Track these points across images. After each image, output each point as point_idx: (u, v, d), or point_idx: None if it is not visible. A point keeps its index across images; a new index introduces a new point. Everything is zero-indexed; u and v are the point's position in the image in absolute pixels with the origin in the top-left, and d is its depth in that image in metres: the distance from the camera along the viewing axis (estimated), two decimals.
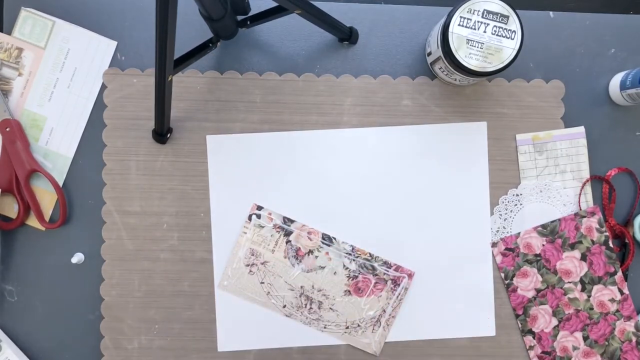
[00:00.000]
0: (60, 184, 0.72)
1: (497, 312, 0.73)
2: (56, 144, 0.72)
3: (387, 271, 0.72)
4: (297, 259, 0.71)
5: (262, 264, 0.71)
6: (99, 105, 0.72)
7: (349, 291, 0.72)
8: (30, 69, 0.72)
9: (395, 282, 0.72)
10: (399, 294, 0.72)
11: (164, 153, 0.72)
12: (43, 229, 0.72)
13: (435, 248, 0.73)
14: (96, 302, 0.72)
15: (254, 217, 0.71)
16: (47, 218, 0.72)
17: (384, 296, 0.72)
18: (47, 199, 0.72)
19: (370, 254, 0.72)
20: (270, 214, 0.71)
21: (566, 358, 0.72)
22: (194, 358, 0.72)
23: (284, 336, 0.72)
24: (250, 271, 0.71)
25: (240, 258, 0.71)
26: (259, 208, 0.71)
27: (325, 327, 0.71)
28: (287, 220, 0.71)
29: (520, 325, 0.72)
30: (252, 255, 0.71)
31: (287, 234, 0.71)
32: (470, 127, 0.73)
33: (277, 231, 0.71)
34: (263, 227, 0.71)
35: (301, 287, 0.71)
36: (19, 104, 0.72)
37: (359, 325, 0.72)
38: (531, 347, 0.72)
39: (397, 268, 0.72)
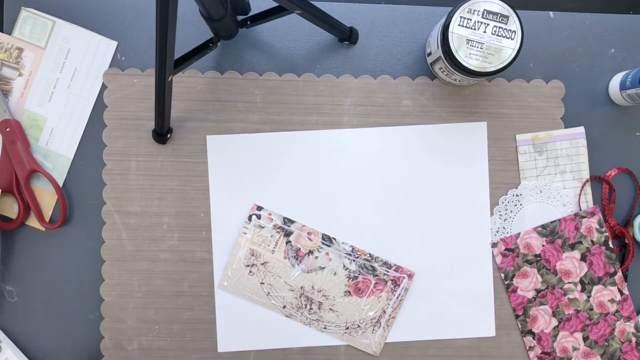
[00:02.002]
0: (60, 184, 0.72)
1: (497, 312, 0.73)
2: (56, 144, 0.72)
3: (387, 272, 0.72)
4: (297, 259, 0.71)
5: (262, 264, 0.71)
6: (99, 105, 0.72)
7: (349, 292, 0.72)
8: (30, 69, 0.72)
9: (395, 282, 0.72)
10: (399, 294, 0.72)
11: (164, 153, 0.72)
12: (43, 229, 0.72)
13: (435, 248, 0.73)
14: (96, 302, 0.72)
15: (254, 217, 0.71)
16: (47, 218, 0.72)
17: (384, 297, 0.72)
18: (47, 199, 0.72)
19: (370, 254, 0.72)
20: (270, 214, 0.71)
21: (566, 358, 0.72)
22: (194, 358, 0.72)
23: (283, 336, 0.72)
24: (250, 272, 0.71)
25: (240, 258, 0.71)
26: (259, 208, 0.71)
27: (325, 328, 0.71)
28: (287, 221, 0.71)
29: (520, 326, 0.72)
30: (252, 255, 0.71)
31: (287, 234, 0.71)
32: (470, 127, 0.73)
33: (277, 232, 0.71)
34: (263, 227, 0.71)
35: (301, 287, 0.71)
36: (19, 104, 0.72)
37: (359, 326, 0.72)
38: (531, 348, 0.72)
39: (397, 268, 0.72)
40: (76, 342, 0.72)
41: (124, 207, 0.72)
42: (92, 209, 0.72)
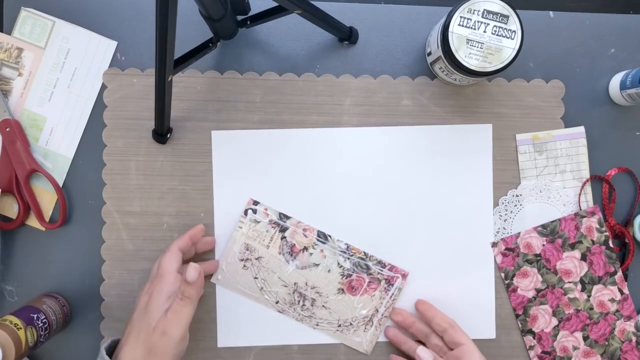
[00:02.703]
0: (60, 184, 0.72)
1: (497, 312, 0.73)
2: (56, 144, 0.72)
3: (381, 271, 0.72)
4: (291, 255, 0.71)
5: (257, 259, 0.71)
6: (99, 105, 0.72)
7: (343, 289, 0.72)
8: (30, 69, 0.72)
9: (389, 282, 0.72)
10: (392, 294, 0.72)
11: (164, 153, 0.72)
12: (43, 229, 0.72)
13: (436, 249, 0.72)
14: (96, 302, 0.72)
15: (249, 211, 0.71)
16: (47, 218, 0.72)
17: (377, 296, 0.72)
18: (47, 199, 0.72)
19: (364, 252, 0.72)
20: (266, 209, 0.71)
21: (566, 358, 0.72)
22: (194, 357, 0.72)
23: (283, 333, 0.72)
24: (245, 266, 0.71)
25: (235, 253, 0.71)
26: (255, 203, 0.71)
27: (317, 325, 0.71)
28: (283, 217, 0.71)
29: (520, 325, 0.72)
30: (247, 250, 0.71)
31: (283, 230, 0.71)
32: (475, 129, 0.73)
33: (272, 227, 0.71)
34: (259, 222, 0.71)
35: (295, 283, 0.71)
36: (18, 104, 0.72)
37: (351, 324, 0.72)
38: (531, 347, 0.72)
39: (391, 268, 0.72)
40: (76, 341, 0.72)
41: (124, 207, 0.72)
42: (92, 208, 0.72)
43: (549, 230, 0.72)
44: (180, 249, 0.66)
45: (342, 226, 0.72)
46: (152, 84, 0.61)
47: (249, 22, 0.66)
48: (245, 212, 0.71)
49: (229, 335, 0.72)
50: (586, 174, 0.73)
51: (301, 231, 0.71)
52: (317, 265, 0.71)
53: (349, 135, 0.72)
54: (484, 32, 0.63)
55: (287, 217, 0.71)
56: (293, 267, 0.71)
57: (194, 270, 0.59)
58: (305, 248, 0.71)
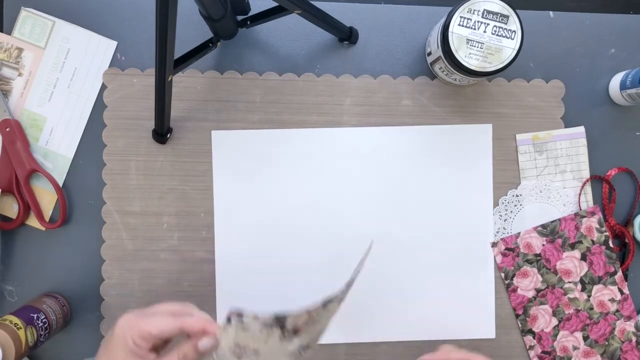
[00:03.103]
0: (60, 184, 0.72)
1: (497, 312, 0.73)
2: (56, 144, 0.72)
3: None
4: (295, 333, 0.53)
5: (254, 351, 0.53)
6: (99, 105, 0.72)
7: None
8: (30, 69, 0.72)
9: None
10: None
11: (164, 153, 0.72)
12: (43, 229, 0.72)
13: (436, 248, 0.72)
14: (96, 302, 0.72)
15: (234, 318, 0.52)
16: (47, 218, 0.72)
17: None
18: (47, 199, 0.72)
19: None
20: (255, 316, 0.51)
21: (566, 358, 0.72)
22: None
23: None
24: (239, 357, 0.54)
25: (224, 349, 0.54)
26: (240, 315, 0.52)
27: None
28: (280, 318, 0.52)
29: (520, 325, 0.72)
30: (238, 348, 0.53)
31: (282, 326, 0.52)
32: (475, 129, 0.73)
33: (266, 327, 0.52)
34: (248, 328, 0.52)
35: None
36: (18, 104, 0.72)
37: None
38: (531, 347, 0.72)
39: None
40: (76, 341, 0.72)
41: (124, 207, 0.72)
42: (92, 208, 0.72)
43: (549, 230, 0.72)
44: (183, 327, 0.54)
45: (342, 225, 0.72)
46: (152, 84, 0.61)
47: (249, 22, 0.66)
48: (229, 319, 0.52)
49: None
50: (586, 174, 0.73)
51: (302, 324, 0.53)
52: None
53: (349, 135, 0.72)
54: (484, 32, 0.63)
55: (286, 318, 0.52)
56: (297, 345, 0.54)
57: (211, 342, 0.53)
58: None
